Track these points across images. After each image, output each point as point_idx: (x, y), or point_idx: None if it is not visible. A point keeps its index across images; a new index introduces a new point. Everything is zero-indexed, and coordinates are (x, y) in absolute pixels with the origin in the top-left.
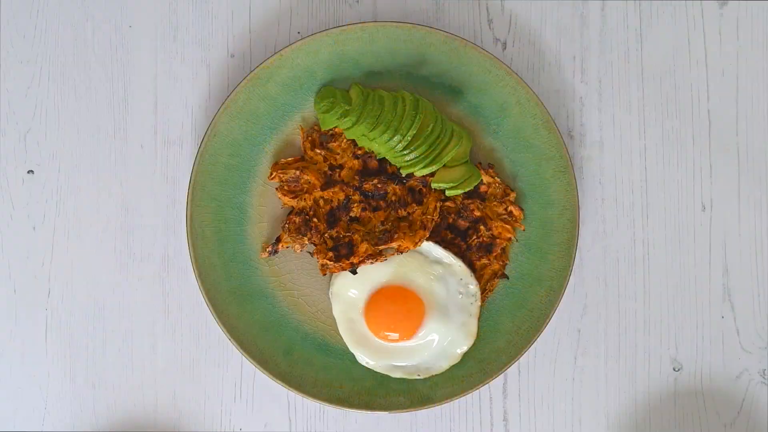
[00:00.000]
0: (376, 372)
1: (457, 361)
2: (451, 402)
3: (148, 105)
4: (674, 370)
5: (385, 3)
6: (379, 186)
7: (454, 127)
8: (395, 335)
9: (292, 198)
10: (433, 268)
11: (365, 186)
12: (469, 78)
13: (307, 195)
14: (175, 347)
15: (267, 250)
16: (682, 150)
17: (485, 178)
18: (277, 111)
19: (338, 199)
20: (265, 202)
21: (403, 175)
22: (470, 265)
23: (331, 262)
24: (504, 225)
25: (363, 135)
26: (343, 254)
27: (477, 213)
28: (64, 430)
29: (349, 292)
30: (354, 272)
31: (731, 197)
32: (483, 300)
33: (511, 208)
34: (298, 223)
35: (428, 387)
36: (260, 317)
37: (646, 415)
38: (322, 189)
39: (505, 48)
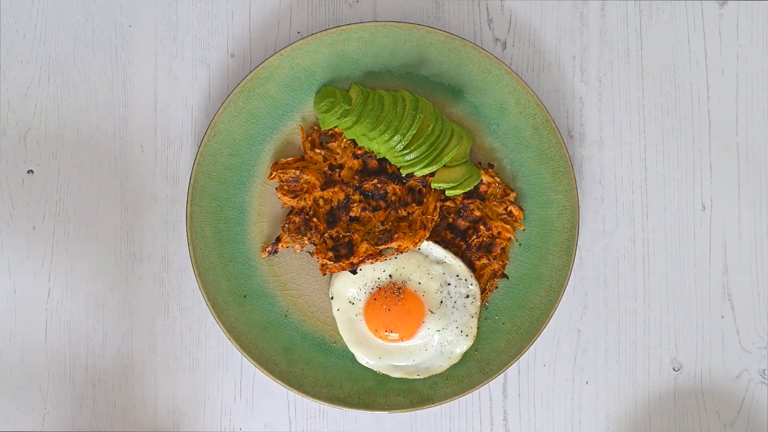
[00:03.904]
0: (376, 372)
1: (457, 361)
2: (451, 402)
3: (148, 105)
4: (674, 370)
5: (385, 3)
6: (379, 186)
7: (454, 127)
8: (395, 335)
9: (292, 198)
10: (433, 268)
11: (365, 186)
12: (469, 78)
13: (307, 195)
14: (175, 347)
15: (267, 250)
16: (682, 150)
17: (485, 178)
18: (277, 111)
19: (338, 199)
20: (265, 202)
21: (403, 175)
22: (470, 265)
23: (331, 262)
24: (504, 225)
25: (363, 135)
26: (343, 254)
27: (477, 213)
28: (64, 430)
29: (349, 292)
30: (354, 272)
31: (731, 197)
32: (483, 300)
33: (511, 208)
34: (298, 223)
35: (428, 387)
36: (260, 317)
37: (646, 415)
38: (322, 189)
39: (505, 48)
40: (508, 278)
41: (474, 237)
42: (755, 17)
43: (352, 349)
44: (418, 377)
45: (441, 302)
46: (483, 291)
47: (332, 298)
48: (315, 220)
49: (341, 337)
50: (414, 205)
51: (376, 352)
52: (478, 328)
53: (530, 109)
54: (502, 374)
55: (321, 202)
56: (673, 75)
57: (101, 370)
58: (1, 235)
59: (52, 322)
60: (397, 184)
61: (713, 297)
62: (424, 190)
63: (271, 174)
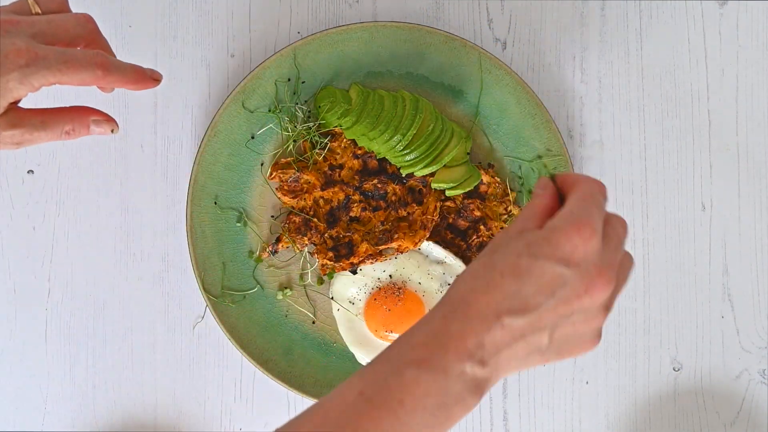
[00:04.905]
0: None
1: None
2: None
3: (148, 105)
4: (674, 370)
5: (385, 3)
6: (379, 186)
7: (454, 127)
8: (395, 335)
9: (292, 198)
10: (433, 268)
11: (365, 186)
12: (469, 78)
13: (307, 195)
14: (175, 347)
15: (267, 250)
16: (682, 150)
17: (485, 178)
18: (276, 111)
19: (338, 199)
20: (265, 202)
21: (403, 175)
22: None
23: (331, 262)
24: (504, 225)
25: (363, 135)
26: (343, 254)
27: (477, 213)
28: (64, 430)
29: (349, 292)
30: (354, 272)
31: (731, 197)
32: None
33: (511, 208)
34: (298, 223)
35: None
36: (260, 317)
37: (646, 415)
38: (322, 189)
39: (505, 48)
40: None
41: (474, 237)
42: (755, 17)
43: (352, 349)
44: None
45: None
46: None
47: (332, 298)
48: (315, 220)
49: (341, 337)
50: (414, 205)
51: (376, 352)
52: None
53: (530, 109)
54: None
55: (321, 202)
56: (673, 75)
57: (101, 370)
58: (1, 235)
59: (52, 322)
60: (397, 184)
61: (713, 297)
62: (424, 190)
63: (271, 174)
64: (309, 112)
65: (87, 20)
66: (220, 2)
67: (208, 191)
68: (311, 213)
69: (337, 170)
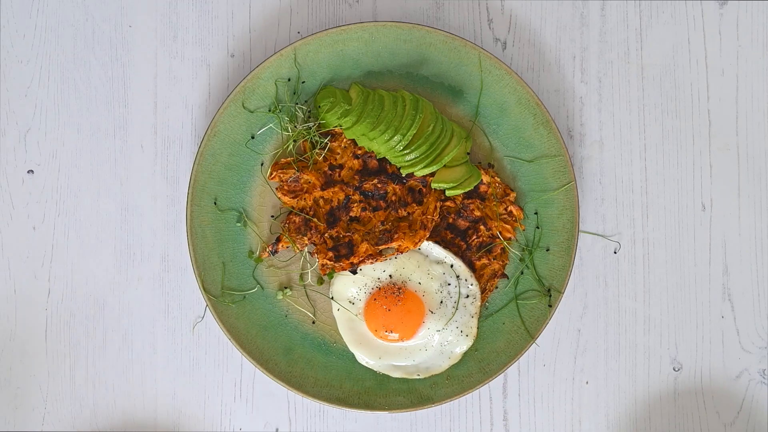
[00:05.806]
0: (376, 372)
1: (457, 361)
2: (451, 402)
3: (148, 105)
4: (674, 370)
5: (385, 3)
6: (379, 186)
7: (454, 127)
8: (395, 335)
9: (292, 198)
10: (433, 268)
11: (365, 186)
12: (469, 78)
13: (307, 195)
14: (175, 347)
15: (267, 250)
16: (682, 150)
17: (485, 178)
18: (276, 110)
19: (338, 199)
20: (265, 202)
21: (403, 175)
22: (470, 265)
23: (331, 262)
24: (504, 225)
25: (363, 135)
26: (343, 254)
27: (477, 213)
28: (64, 430)
29: (349, 292)
30: (354, 272)
31: (731, 197)
32: (483, 300)
33: (511, 208)
34: (298, 223)
35: (428, 387)
36: (260, 317)
37: (646, 415)
38: (322, 189)
39: (505, 48)
40: (508, 278)
41: (474, 237)
42: (755, 17)
43: (352, 349)
44: (418, 377)
45: (441, 302)
46: (483, 291)
47: (332, 298)
48: (315, 220)
49: (341, 337)
50: (414, 205)
51: (376, 352)
52: (478, 328)
53: (530, 109)
54: (502, 374)
55: (321, 202)
56: (673, 75)
57: (101, 370)
58: (1, 235)
59: (52, 322)
60: (397, 184)
61: (713, 297)
62: (424, 190)
63: (271, 174)
64: (309, 112)
65: None
66: (220, 2)
67: (208, 191)
68: (311, 213)
69: (337, 170)
